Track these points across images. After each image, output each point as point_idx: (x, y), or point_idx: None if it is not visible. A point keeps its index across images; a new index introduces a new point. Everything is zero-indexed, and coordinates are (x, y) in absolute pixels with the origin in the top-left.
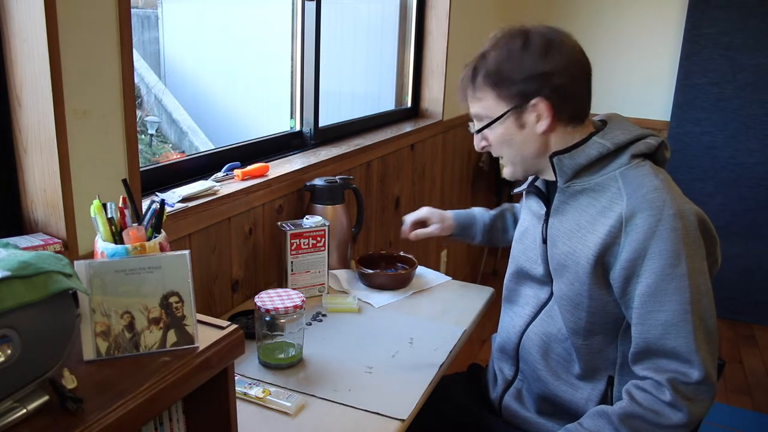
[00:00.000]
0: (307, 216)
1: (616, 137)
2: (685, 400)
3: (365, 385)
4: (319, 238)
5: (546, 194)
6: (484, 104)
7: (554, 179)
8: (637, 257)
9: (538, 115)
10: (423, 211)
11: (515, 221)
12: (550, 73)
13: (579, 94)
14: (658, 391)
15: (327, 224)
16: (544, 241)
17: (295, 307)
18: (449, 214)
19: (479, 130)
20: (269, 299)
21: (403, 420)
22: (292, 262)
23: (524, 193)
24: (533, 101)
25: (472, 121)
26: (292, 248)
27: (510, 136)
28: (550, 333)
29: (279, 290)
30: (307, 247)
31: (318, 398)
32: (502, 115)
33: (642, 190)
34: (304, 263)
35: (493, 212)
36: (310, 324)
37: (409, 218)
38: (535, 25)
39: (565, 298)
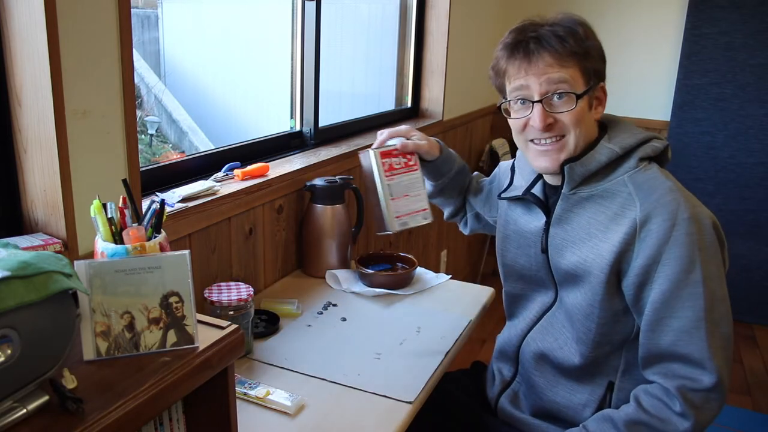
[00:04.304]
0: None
1: (623, 141)
2: (693, 408)
3: (374, 370)
4: (409, 157)
5: (545, 202)
6: (572, 73)
7: (557, 184)
8: (651, 263)
9: (599, 99)
10: (405, 126)
11: (476, 189)
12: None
13: None
14: (667, 399)
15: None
16: (543, 250)
17: (239, 300)
18: (432, 138)
19: (580, 95)
20: (218, 291)
21: (410, 402)
22: (389, 185)
23: (507, 199)
24: (602, 83)
25: (522, 98)
26: (386, 169)
27: (585, 115)
28: (546, 340)
29: (230, 283)
30: (400, 167)
31: (328, 382)
32: (589, 89)
33: (655, 194)
34: (401, 185)
35: (463, 162)
36: (321, 313)
37: (389, 130)
38: None
39: (578, 307)
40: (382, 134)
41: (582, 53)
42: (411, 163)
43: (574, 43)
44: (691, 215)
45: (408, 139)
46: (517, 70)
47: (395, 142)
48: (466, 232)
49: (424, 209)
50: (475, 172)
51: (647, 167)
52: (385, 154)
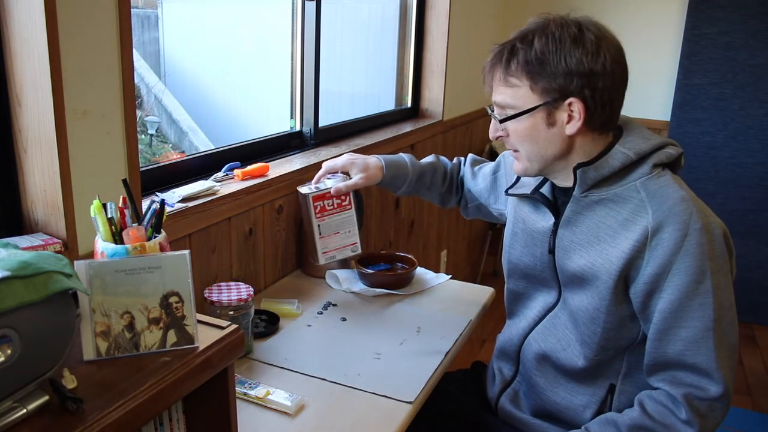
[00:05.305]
0: (329, 176)
1: (637, 146)
2: (699, 416)
3: (374, 370)
4: (343, 197)
5: (554, 202)
6: (515, 92)
7: (566, 186)
8: (661, 272)
9: (570, 115)
10: (343, 159)
11: (444, 179)
12: (596, 74)
13: (615, 102)
14: (673, 406)
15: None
16: (550, 251)
17: (239, 300)
18: (374, 160)
19: (505, 120)
20: (218, 291)
21: (410, 402)
22: (319, 226)
23: (517, 197)
24: (570, 100)
25: (491, 106)
26: (317, 211)
27: (535, 132)
28: (548, 341)
29: (230, 283)
30: (332, 208)
31: (328, 382)
32: (533, 108)
33: (668, 203)
34: (332, 225)
35: (422, 163)
36: (321, 313)
37: (326, 165)
38: (585, 17)
39: (583, 310)
40: (321, 169)
41: (531, 71)
42: (344, 203)
43: (521, 62)
44: (703, 225)
45: (347, 174)
46: (483, 82)
47: (330, 184)
48: (466, 217)
49: (354, 243)
50: (470, 156)
51: (660, 174)
52: (318, 198)
